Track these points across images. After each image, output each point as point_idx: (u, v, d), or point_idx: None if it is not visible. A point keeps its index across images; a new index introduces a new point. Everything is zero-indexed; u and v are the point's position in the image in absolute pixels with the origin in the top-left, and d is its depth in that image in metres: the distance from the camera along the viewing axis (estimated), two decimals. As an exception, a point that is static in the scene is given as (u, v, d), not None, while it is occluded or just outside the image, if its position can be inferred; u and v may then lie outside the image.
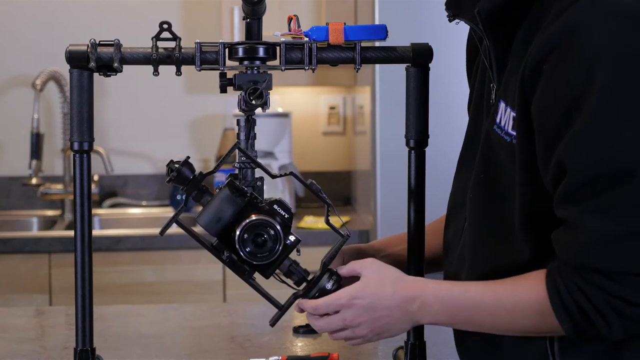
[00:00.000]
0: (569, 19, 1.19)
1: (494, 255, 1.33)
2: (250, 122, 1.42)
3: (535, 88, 1.22)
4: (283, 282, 1.43)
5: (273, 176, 1.43)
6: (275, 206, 1.38)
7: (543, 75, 1.21)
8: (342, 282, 1.40)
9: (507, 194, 1.30)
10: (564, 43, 1.19)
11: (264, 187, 1.44)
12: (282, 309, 1.42)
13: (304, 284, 1.41)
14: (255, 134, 1.43)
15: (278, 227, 1.37)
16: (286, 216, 1.38)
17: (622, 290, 1.20)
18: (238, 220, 1.37)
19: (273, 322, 1.42)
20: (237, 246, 1.37)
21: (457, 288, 1.33)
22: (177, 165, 1.38)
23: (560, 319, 1.24)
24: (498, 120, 1.32)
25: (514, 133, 1.28)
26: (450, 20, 1.40)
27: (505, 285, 1.30)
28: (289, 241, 1.39)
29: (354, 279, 1.40)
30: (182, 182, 1.39)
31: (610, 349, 1.27)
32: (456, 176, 1.49)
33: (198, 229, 1.44)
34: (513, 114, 1.28)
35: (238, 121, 1.43)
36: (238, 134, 1.43)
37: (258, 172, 1.43)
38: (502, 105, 1.31)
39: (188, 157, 1.39)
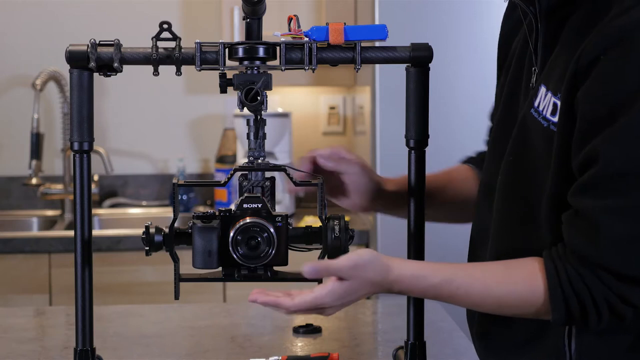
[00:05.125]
0: (636, 15, 1.19)
1: (515, 237, 1.34)
2: (259, 122, 1.43)
3: (588, 77, 1.22)
4: (302, 250, 1.45)
5: (297, 183, 1.44)
6: (244, 205, 1.39)
7: (598, 65, 1.21)
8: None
9: (536, 178, 1.31)
10: (627, 38, 1.19)
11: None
12: (319, 281, 1.41)
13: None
14: (265, 133, 1.43)
15: (270, 228, 1.37)
16: (259, 206, 1.38)
17: (624, 289, 1.22)
18: (224, 239, 1.38)
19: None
20: (230, 248, 1.37)
21: (439, 275, 1.31)
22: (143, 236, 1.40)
23: (555, 308, 1.24)
24: (536, 104, 1.32)
25: (553, 119, 1.28)
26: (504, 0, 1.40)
27: (497, 273, 1.31)
28: (279, 223, 1.39)
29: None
30: (158, 247, 1.41)
31: (629, 342, 1.28)
32: (487, 162, 1.49)
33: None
34: (554, 99, 1.28)
35: (248, 121, 1.43)
36: (248, 134, 1.43)
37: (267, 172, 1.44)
38: (542, 89, 1.31)
39: (147, 225, 1.41)
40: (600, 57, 1.21)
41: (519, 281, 1.28)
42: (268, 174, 1.44)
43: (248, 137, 1.43)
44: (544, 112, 1.30)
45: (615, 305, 1.23)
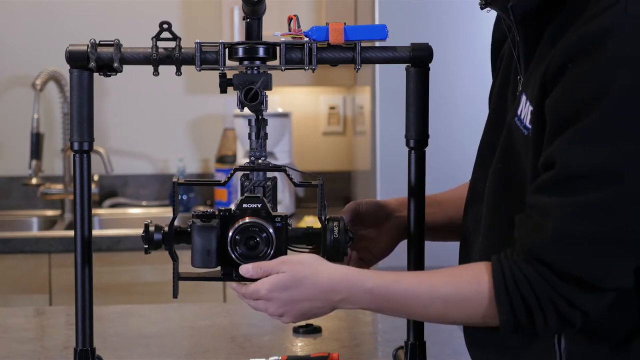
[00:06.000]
0: (602, 23, 1.20)
1: (503, 245, 1.34)
2: (260, 122, 1.43)
3: (557, 85, 1.23)
4: (301, 251, 1.45)
5: (297, 184, 1.44)
6: (244, 204, 1.39)
7: (566, 73, 1.22)
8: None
9: (520, 186, 1.31)
10: (593, 45, 1.20)
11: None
12: None
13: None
14: (266, 133, 1.43)
15: (269, 228, 1.37)
16: (259, 206, 1.39)
17: (567, 290, 1.22)
18: (223, 239, 1.38)
19: None
20: (228, 248, 1.37)
21: (387, 278, 1.32)
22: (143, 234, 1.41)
23: (500, 308, 1.25)
24: (519, 112, 1.33)
25: (531, 127, 1.28)
26: (482, 8, 1.40)
27: (444, 275, 1.31)
28: (278, 223, 1.39)
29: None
30: (158, 245, 1.41)
31: (618, 343, 1.28)
32: (476, 166, 1.50)
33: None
34: (531, 107, 1.29)
35: (249, 121, 1.43)
36: (249, 134, 1.43)
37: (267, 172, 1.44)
38: (523, 98, 1.32)
39: (147, 224, 1.42)
40: (567, 65, 1.22)
41: (465, 281, 1.29)
42: (270, 174, 1.44)
43: (249, 137, 1.43)
44: (524, 121, 1.31)
45: (561, 308, 1.22)
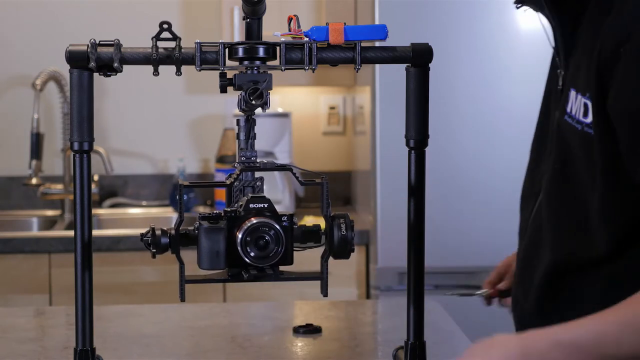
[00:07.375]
0: None
1: (573, 244, 1.32)
2: (250, 122, 1.43)
3: (614, 69, 1.21)
4: (305, 248, 1.44)
5: (302, 182, 1.43)
6: (250, 205, 1.38)
7: (624, 56, 1.19)
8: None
9: (583, 184, 1.30)
10: None
11: (264, 186, 1.44)
12: (323, 279, 1.41)
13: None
14: (255, 133, 1.43)
15: (278, 227, 1.37)
16: (265, 205, 1.38)
17: None
18: (231, 240, 1.38)
19: (326, 293, 1.40)
20: (239, 250, 1.37)
21: (575, 328, 1.22)
22: (148, 237, 1.40)
23: None
24: (569, 109, 1.31)
25: (585, 120, 1.27)
26: (517, 8, 1.41)
27: (624, 308, 1.21)
28: (285, 222, 1.39)
29: None
30: (165, 249, 1.40)
31: None
32: (529, 167, 1.50)
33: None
34: (584, 100, 1.26)
35: (238, 121, 1.43)
36: (238, 134, 1.43)
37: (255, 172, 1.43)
38: (572, 93, 1.31)
39: (152, 227, 1.41)
40: (624, 45, 1.19)
41: None
42: (258, 174, 1.44)
43: (238, 137, 1.43)
44: (577, 116, 1.28)
45: None
